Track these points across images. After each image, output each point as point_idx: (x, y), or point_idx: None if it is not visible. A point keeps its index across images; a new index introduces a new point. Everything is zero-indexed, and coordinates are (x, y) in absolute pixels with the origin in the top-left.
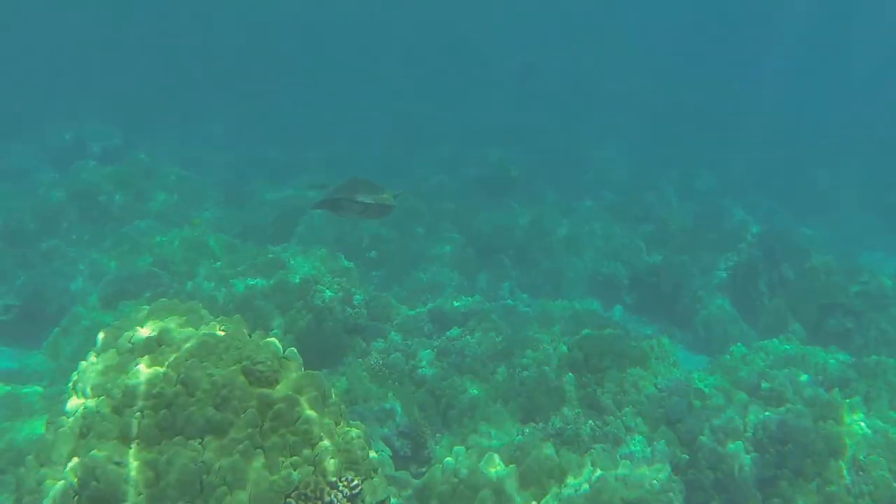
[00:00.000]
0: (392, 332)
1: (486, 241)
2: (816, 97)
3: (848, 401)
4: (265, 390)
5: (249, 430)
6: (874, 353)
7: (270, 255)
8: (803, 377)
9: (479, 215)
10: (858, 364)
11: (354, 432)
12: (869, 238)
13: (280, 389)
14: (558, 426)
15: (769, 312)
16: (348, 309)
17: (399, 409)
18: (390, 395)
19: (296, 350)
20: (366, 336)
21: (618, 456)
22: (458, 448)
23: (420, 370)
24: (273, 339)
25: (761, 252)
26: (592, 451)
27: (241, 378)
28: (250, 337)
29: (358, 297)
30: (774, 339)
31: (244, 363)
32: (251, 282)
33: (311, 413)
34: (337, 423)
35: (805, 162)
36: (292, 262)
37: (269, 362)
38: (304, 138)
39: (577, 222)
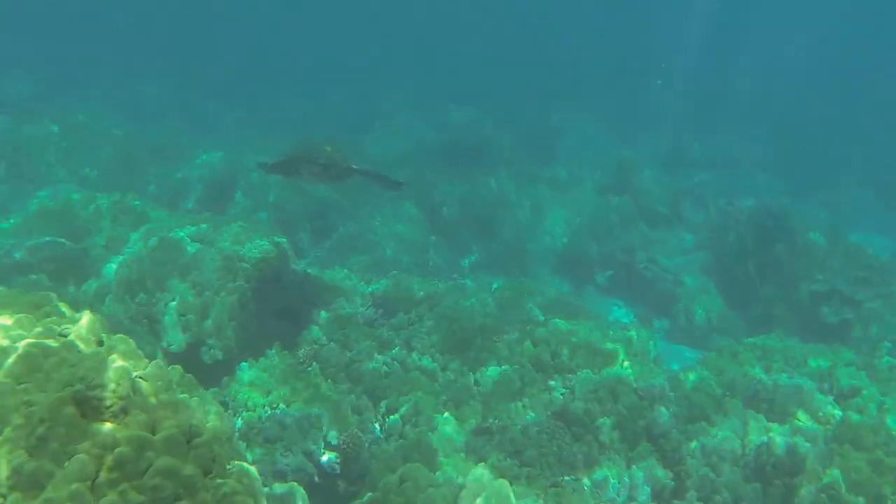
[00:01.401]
0: (327, 318)
1: (445, 212)
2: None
3: (869, 421)
4: (104, 426)
5: (74, 485)
6: (877, 350)
7: (192, 227)
8: (809, 384)
9: (438, 186)
10: (869, 368)
11: (230, 485)
12: (867, 218)
13: (126, 425)
14: (518, 443)
15: (759, 299)
16: (275, 289)
17: (328, 415)
18: (319, 397)
19: (161, 363)
20: (297, 321)
21: (587, 489)
22: (390, 478)
23: (358, 364)
24: (129, 345)
25: (752, 231)
26: (561, 489)
27: (70, 409)
28: (102, 344)
29: (289, 275)
30: (772, 335)
31: (76, 387)
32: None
33: (167, 461)
34: (207, 473)
35: (800, 134)
36: (212, 235)
37: (113, 385)
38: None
39: (547, 193)
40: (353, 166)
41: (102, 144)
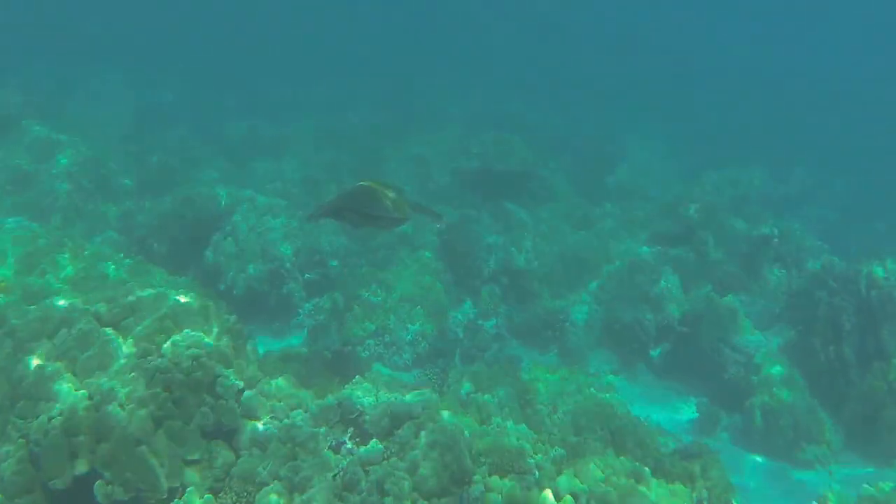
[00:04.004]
0: (272, 437)
1: (469, 261)
2: None
3: None
4: None
5: None
6: None
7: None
8: None
9: (465, 225)
10: None
11: None
12: None
13: None
14: None
15: (859, 395)
16: (208, 398)
17: None
18: None
19: None
20: (234, 443)
21: None
22: None
23: None
24: None
25: (850, 304)
26: None
27: None
28: None
29: (228, 379)
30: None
31: None
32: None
33: None
34: None
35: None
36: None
37: None
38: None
39: (592, 241)
40: (407, 215)
41: None
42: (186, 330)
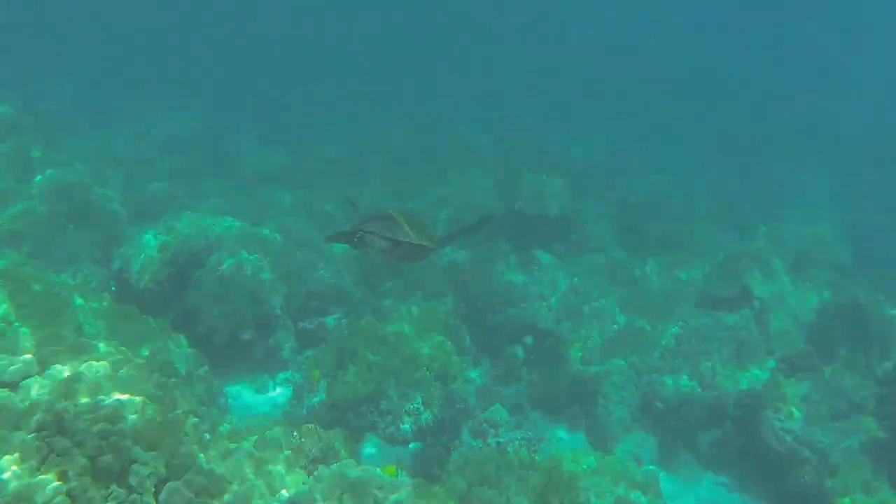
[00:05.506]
0: None
1: (489, 319)
2: None
3: None
4: None
5: None
6: None
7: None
8: None
9: (486, 274)
10: None
11: None
12: None
13: None
14: None
15: None
16: (117, 490)
17: None
18: None
19: None
20: None
21: None
22: None
23: None
24: None
25: None
26: None
27: None
28: None
29: (146, 466)
30: None
31: None
32: None
33: None
34: None
35: None
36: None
37: None
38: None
39: (626, 297)
40: (434, 245)
41: None
42: (100, 396)
